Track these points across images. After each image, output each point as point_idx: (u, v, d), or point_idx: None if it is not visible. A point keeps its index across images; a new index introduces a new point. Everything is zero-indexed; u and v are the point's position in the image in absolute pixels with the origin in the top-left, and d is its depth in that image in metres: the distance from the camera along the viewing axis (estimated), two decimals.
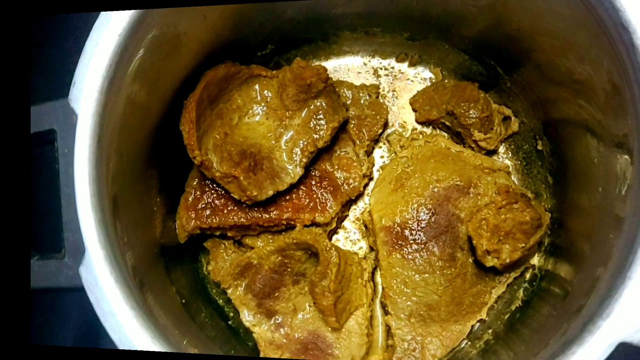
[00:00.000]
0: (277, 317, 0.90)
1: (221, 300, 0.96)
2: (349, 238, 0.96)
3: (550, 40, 0.78)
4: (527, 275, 0.90)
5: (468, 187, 0.88)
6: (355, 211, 0.97)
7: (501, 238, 0.83)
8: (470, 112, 0.89)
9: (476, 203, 0.87)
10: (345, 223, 0.96)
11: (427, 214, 0.88)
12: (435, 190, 0.88)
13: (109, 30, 0.69)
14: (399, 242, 0.88)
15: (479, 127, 0.89)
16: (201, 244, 0.95)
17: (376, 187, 0.93)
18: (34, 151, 0.71)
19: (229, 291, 0.92)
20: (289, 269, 0.90)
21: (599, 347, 0.55)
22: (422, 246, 0.87)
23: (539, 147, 0.92)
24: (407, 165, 0.91)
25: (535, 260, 0.89)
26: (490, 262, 0.84)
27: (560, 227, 0.87)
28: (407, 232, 0.88)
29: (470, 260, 0.87)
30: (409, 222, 0.88)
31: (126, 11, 0.70)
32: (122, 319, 0.64)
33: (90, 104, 0.68)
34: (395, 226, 0.88)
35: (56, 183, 0.70)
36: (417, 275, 0.87)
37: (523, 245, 0.83)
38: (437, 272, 0.87)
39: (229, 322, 0.95)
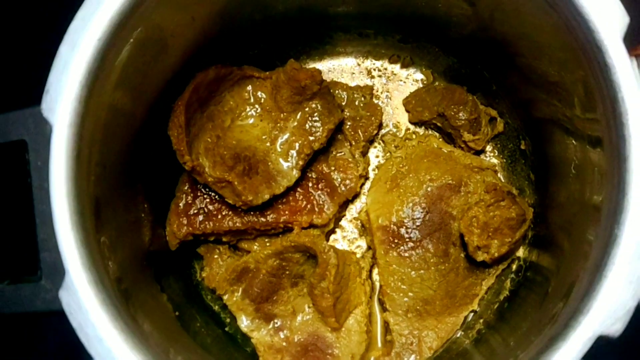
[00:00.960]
0: (275, 320, 0.90)
1: (217, 307, 0.96)
2: (347, 237, 0.98)
3: (531, 48, 0.81)
4: (514, 267, 0.94)
5: (459, 186, 0.92)
6: (352, 210, 0.99)
7: (490, 234, 0.87)
8: (460, 114, 0.92)
9: (467, 201, 0.91)
10: (343, 222, 0.98)
11: (422, 212, 0.91)
12: (429, 189, 0.92)
13: (88, 33, 0.63)
14: (396, 241, 0.91)
15: (468, 129, 0.93)
16: (194, 250, 0.94)
17: (372, 187, 0.95)
18: (2, 164, 0.67)
19: (225, 297, 0.91)
20: (287, 272, 0.90)
21: (580, 340, 0.60)
22: (418, 244, 0.91)
23: (522, 147, 0.96)
24: (402, 165, 0.94)
25: (521, 252, 0.94)
26: (480, 257, 0.88)
27: (543, 220, 0.91)
28: (403, 231, 0.91)
29: (462, 255, 0.91)
30: (405, 220, 0.91)
31: (106, 13, 0.64)
32: (111, 344, 0.60)
33: (66, 114, 0.62)
34: (392, 225, 0.91)
35: (28, 199, 0.65)
36: (413, 272, 0.90)
37: (510, 239, 0.88)
38: (432, 267, 0.90)
39: (226, 329, 0.95)
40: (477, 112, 0.92)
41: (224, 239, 0.91)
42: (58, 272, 0.61)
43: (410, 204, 0.91)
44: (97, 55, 0.63)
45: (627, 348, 0.99)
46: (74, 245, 0.60)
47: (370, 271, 0.94)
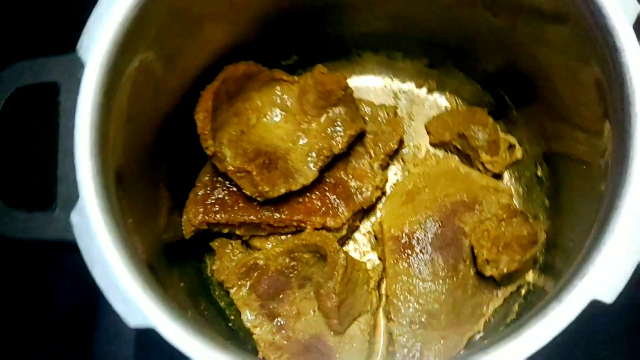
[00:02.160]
0: (279, 319, 0.90)
1: (223, 303, 0.96)
2: (358, 250, 0.99)
3: (558, 80, 0.84)
4: (523, 291, 0.93)
5: (473, 204, 0.93)
6: (366, 224, 1.00)
7: (500, 249, 0.87)
8: (479, 134, 0.94)
9: (480, 219, 0.92)
10: (356, 235, 0.99)
11: (435, 226, 0.92)
12: (444, 204, 0.93)
13: None
14: (406, 251, 0.92)
15: (487, 150, 0.95)
16: (207, 244, 0.96)
17: (388, 201, 0.97)
18: (33, 103, 0.71)
19: (232, 291, 0.91)
20: (296, 272, 0.91)
21: (575, 303, 0.60)
22: (428, 256, 0.91)
23: (539, 174, 0.97)
24: (419, 181, 0.96)
25: (530, 277, 0.92)
26: (489, 271, 0.87)
27: (554, 246, 0.90)
28: (414, 242, 0.92)
29: (472, 272, 0.91)
30: (417, 232, 0.92)
31: None
32: (114, 265, 0.61)
33: (101, 54, 0.65)
34: (404, 236, 0.92)
35: (52, 137, 0.68)
36: (421, 284, 0.90)
37: (519, 257, 0.87)
38: (440, 281, 0.90)
39: (229, 325, 0.94)
40: (496, 135, 0.95)
41: (238, 232, 0.93)
42: (72, 205, 0.63)
43: (424, 217, 0.92)
44: (137, 6, 0.67)
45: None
46: (90, 173, 0.63)
47: (379, 285, 0.94)
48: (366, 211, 0.98)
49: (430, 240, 0.91)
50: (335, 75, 0.91)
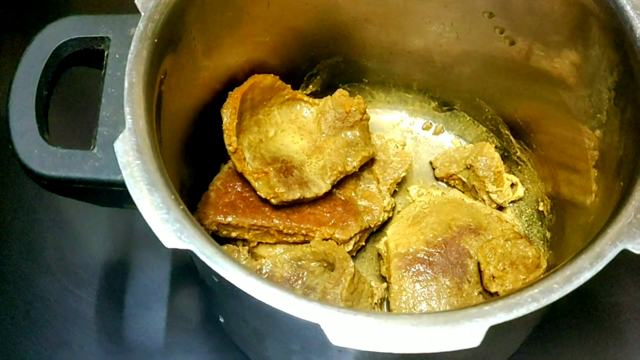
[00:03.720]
0: None
1: None
2: (362, 270, 0.99)
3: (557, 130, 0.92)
4: None
5: (478, 229, 0.95)
6: (370, 248, 1.01)
7: (506, 267, 0.89)
8: (486, 165, 0.99)
9: (485, 240, 0.94)
10: (360, 256, 1.01)
11: (440, 246, 0.94)
12: (449, 227, 0.95)
13: None
14: (411, 269, 0.93)
15: (493, 181, 0.99)
16: None
17: (394, 222, 1.00)
18: (83, 55, 0.75)
19: None
20: (300, 282, 0.90)
21: (605, 249, 0.60)
22: (433, 274, 0.92)
23: (540, 208, 1.01)
24: (424, 207, 0.99)
25: None
26: (494, 287, 0.89)
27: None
28: (419, 260, 0.93)
29: (476, 292, 0.92)
30: (423, 251, 0.94)
31: None
32: (154, 184, 0.62)
33: (154, 9, 0.71)
34: (410, 253, 0.94)
35: (97, 86, 0.71)
36: (424, 302, 0.91)
37: (524, 277, 0.89)
38: (444, 300, 0.90)
39: None
40: (502, 168, 0.99)
41: (247, 236, 0.93)
42: (111, 147, 0.64)
43: (430, 237, 0.94)
44: None
45: None
46: (142, 102, 0.66)
47: (382, 304, 0.94)
48: (372, 233, 0.99)
49: (435, 259, 0.92)
50: (356, 98, 0.97)
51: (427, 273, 0.92)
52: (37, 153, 0.68)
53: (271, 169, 0.91)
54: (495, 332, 0.56)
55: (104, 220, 1.05)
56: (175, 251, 0.60)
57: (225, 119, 0.89)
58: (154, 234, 0.60)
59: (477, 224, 0.95)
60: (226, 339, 0.95)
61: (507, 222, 0.97)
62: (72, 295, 0.99)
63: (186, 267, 1.02)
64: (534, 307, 0.56)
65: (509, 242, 0.90)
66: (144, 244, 1.03)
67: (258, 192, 0.91)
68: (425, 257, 0.93)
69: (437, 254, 0.93)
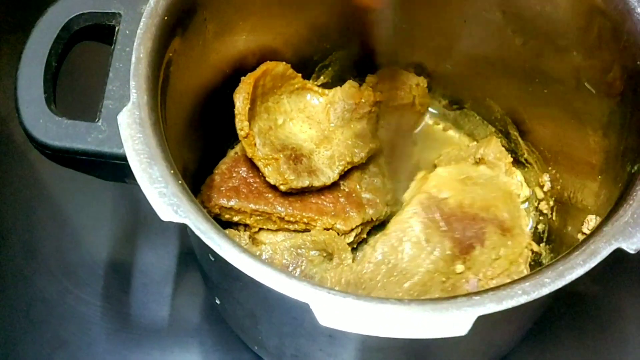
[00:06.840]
0: None
1: None
2: None
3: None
4: None
5: (507, 231, 0.92)
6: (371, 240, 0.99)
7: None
8: (496, 157, 0.98)
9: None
10: (362, 248, 0.99)
11: (470, 216, 0.90)
12: (488, 209, 0.91)
13: None
14: (429, 214, 0.88)
15: (504, 172, 0.98)
16: None
17: (449, 165, 0.99)
18: (94, 29, 0.75)
19: None
20: (299, 269, 0.91)
21: (599, 247, 0.60)
22: (441, 233, 0.87)
23: (544, 210, 1.01)
24: (481, 177, 0.96)
25: None
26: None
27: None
28: (443, 212, 0.89)
29: (458, 274, 0.87)
30: (452, 209, 0.89)
31: None
32: (154, 157, 0.63)
33: None
34: (440, 200, 0.90)
35: (106, 63, 0.72)
36: (410, 246, 0.86)
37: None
38: (429, 259, 0.86)
39: None
40: (511, 160, 0.99)
41: (248, 222, 0.93)
42: (115, 120, 0.65)
43: (467, 203, 0.90)
44: None
45: None
46: (146, 77, 0.66)
47: None
48: (375, 227, 0.99)
49: (455, 224, 0.88)
50: (366, 90, 0.97)
51: (438, 227, 0.87)
52: (42, 122, 0.68)
53: (281, 155, 0.91)
54: (484, 324, 0.56)
55: (104, 220, 1.05)
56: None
57: (238, 104, 0.89)
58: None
59: (510, 225, 0.91)
60: (228, 340, 0.96)
61: (531, 243, 0.93)
62: (72, 295, 0.99)
63: (187, 267, 1.03)
64: (523, 299, 0.56)
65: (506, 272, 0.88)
66: (145, 244, 1.03)
67: (267, 178, 0.91)
68: (448, 215, 0.89)
69: (461, 220, 0.89)
